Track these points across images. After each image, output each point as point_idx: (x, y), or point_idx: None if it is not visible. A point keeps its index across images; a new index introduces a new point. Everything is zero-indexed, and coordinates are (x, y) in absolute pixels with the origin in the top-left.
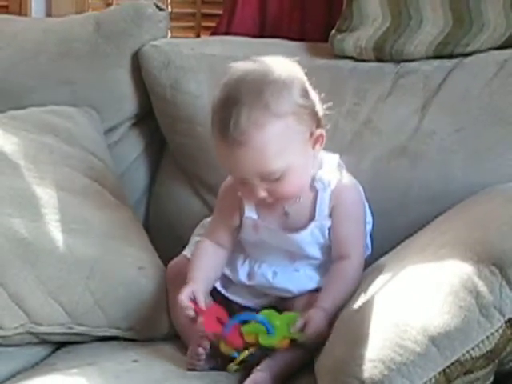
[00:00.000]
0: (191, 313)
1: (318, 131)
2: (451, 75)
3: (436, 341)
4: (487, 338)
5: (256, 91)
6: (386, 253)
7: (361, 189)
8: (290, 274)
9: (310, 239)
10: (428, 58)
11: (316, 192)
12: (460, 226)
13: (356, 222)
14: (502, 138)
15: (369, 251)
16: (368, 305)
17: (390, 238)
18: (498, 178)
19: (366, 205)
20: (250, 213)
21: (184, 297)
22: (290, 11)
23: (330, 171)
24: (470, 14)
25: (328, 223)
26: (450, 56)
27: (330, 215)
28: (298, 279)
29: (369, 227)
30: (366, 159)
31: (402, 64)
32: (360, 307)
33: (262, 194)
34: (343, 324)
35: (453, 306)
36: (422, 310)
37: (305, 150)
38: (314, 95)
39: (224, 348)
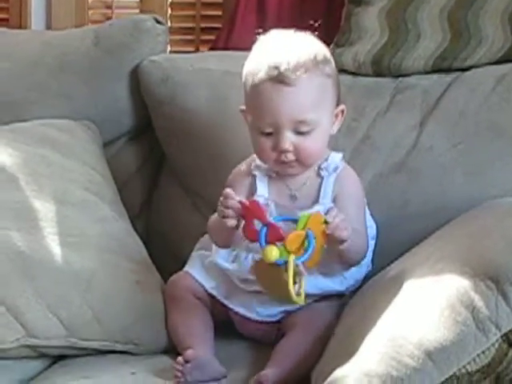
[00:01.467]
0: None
1: (342, 105)
2: (449, 90)
3: (432, 355)
4: (483, 352)
5: (307, 47)
6: (385, 267)
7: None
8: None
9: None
10: (426, 72)
11: (322, 178)
12: (457, 240)
13: (358, 206)
14: (499, 153)
15: (370, 267)
16: (365, 319)
17: (389, 253)
18: (496, 192)
19: (368, 212)
20: (262, 190)
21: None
22: (288, 25)
23: (335, 161)
24: (468, 28)
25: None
26: (448, 70)
27: (334, 200)
28: None
29: (373, 242)
30: (365, 175)
31: (400, 79)
32: (357, 321)
33: (288, 145)
34: (340, 337)
35: (449, 321)
36: (418, 324)
37: (331, 116)
38: None
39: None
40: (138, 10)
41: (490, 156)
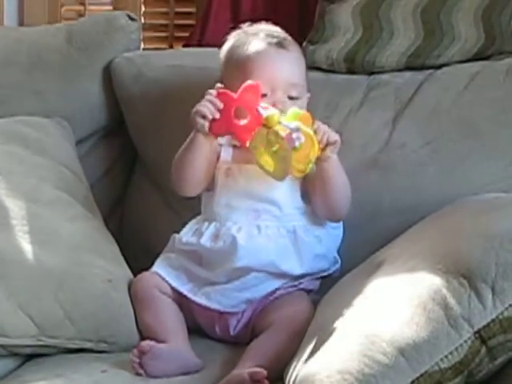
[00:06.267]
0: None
1: (309, 94)
2: (422, 87)
3: (405, 352)
4: (456, 349)
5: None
6: (357, 265)
7: None
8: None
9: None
10: (399, 69)
11: None
12: (430, 237)
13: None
14: (472, 150)
15: (338, 264)
16: (337, 316)
17: (362, 250)
18: (469, 189)
19: None
20: (226, 157)
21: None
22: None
23: None
24: (441, 26)
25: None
26: (422, 68)
27: None
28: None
29: (339, 232)
30: None
31: (373, 76)
32: (329, 318)
33: (284, 101)
34: (313, 335)
35: (421, 318)
36: (390, 321)
37: (306, 95)
38: None
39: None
40: (111, 7)
41: (463, 153)
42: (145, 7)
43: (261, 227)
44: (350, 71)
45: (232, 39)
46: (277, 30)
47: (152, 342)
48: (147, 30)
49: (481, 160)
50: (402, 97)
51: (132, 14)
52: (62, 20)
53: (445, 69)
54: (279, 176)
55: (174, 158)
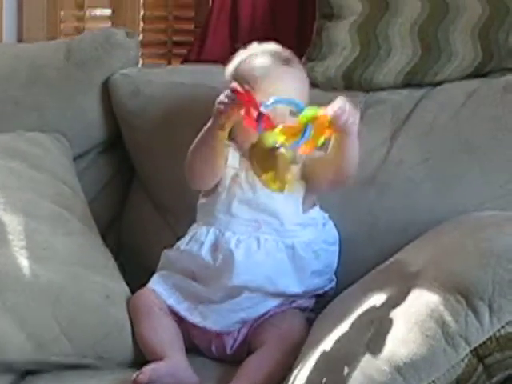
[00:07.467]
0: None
1: None
2: (420, 105)
3: (402, 370)
4: (453, 367)
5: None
6: (353, 283)
7: None
8: (251, 244)
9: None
10: (397, 87)
11: None
12: (427, 255)
13: None
14: (469, 168)
15: (333, 282)
16: (334, 335)
17: (359, 267)
18: (466, 207)
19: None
20: (233, 162)
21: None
22: (261, 40)
23: None
24: (439, 43)
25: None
26: (419, 85)
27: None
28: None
29: (335, 248)
30: None
31: (370, 93)
32: (326, 336)
33: None
34: (309, 353)
35: (419, 336)
36: (388, 339)
37: None
38: None
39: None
40: (109, 24)
41: (460, 171)
42: (143, 24)
43: (260, 240)
44: (348, 88)
45: (239, 56)
46: (283, 49)
47: (149, 368)
48: (146, 46)
49: (478, 177)
50: (400, 114)
51: (130, 31)
52: (61, 36)
53: (442, 86)
54: (268, 183)
55: (189, 151)
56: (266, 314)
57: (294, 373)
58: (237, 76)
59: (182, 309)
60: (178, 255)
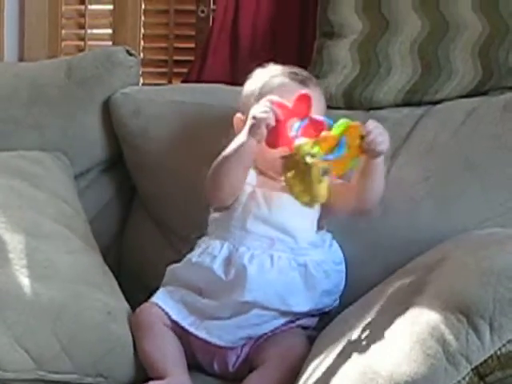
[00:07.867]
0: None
1: None
2: (420, 123)
3: None
4: None
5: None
6: (355, 301)
7: None
8: (265, 261)
9: (298, 210)
10: (397, 105)
11: None
12: (427, 273)
13: None
14: (469, 186)
15: (337, 301)
16: (335, 353)
17: (361, 286)
18: (467, 225)
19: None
20: (250, 179)
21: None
22: (261, 58)
23: None
24: (439, 61)
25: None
26: (419, 103)
27: None
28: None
29: (342, 268)
30: None
31: (371, 112)
32: (328, 355)
33: None
34: (310, 371)
35: (420, 354)
36: (389, 357)
37: None
38: None
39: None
40: (110, 42)
41: (460, 189)
42: (144, 43)
43: (274, 258)
44: (348, 107)
45: (257, 75)
46: (301, 70)
47: None
48: (146, 65)
49: (478, 195)
50: (400, 132)
51: (131, 50)
52: (62, 55)
53: (442, 104)
54: (298, 194)
55: (214, 164)
56: (270, 331)
57: None
58: (253, 92)
59: (188, 323)
60: (187, 268)
